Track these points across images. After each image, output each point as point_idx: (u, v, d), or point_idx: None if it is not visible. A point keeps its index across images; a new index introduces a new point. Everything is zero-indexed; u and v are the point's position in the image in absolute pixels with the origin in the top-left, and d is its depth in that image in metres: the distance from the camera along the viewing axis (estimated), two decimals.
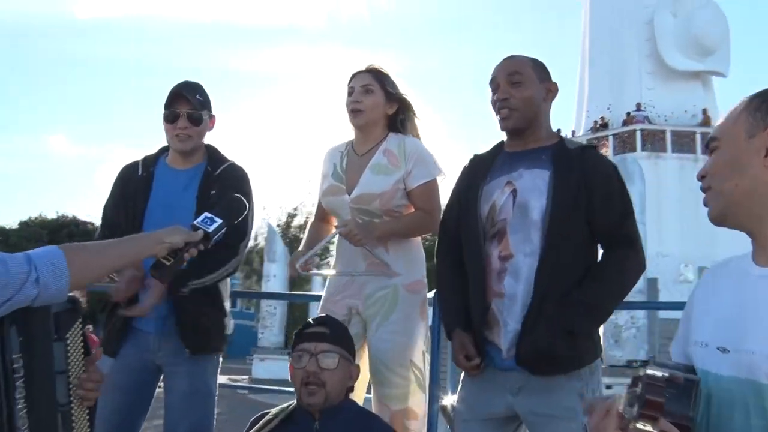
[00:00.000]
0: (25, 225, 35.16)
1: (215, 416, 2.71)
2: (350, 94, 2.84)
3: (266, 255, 21.57)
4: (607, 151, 24.41)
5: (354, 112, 2.82)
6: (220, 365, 2.74)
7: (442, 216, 2.61)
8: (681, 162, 25.14)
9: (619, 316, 14.35)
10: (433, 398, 2.80)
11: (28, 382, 1.53)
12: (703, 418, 1.29)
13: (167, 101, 2.71)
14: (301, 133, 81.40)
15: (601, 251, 2.34)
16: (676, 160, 25.15)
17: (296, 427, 2.30)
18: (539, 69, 2.41)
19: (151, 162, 2.79)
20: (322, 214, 3.00)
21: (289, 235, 33.75)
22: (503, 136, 2.48)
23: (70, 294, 1.60)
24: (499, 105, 2.37)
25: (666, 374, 1.17)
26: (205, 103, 2.75)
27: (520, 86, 2.35)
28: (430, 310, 2.88)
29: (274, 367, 18.94)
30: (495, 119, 2.42)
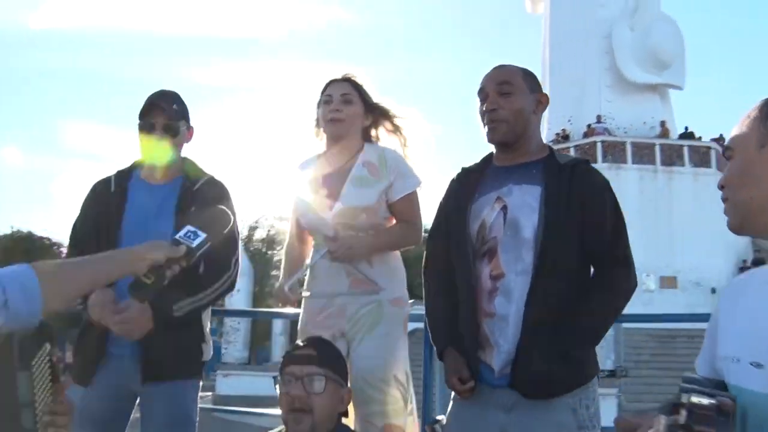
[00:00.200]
0: None
1: None
2: (327, 102, 2.72)
3: None
4: None
5: (334, 121, 2.70)
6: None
7: (429, 234, 2.51)
8: (641, 173, 25.69)
9: None
10: (426, 419, 2.70)
11: None
12: None
13: (142, 111, 2.56)
14: (260, 146, 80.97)
15: (593, 269, 2.27)
16: (636, 171, 25.69)
17: None
18: (530, 79, 2.33)
19: (124, 176, 2.63)
20: (299, 234, 2.86)
21: (250, 248, 33.38)
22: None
23: None
24: (487, 116, 2.28)
25: (714, 402, 1.12)
26: (182, 113, 2.61)
27: (510, 97, 2.26)
28: (412, 325, 2.77)
29: (237, 383, 18.58)
30: (482, 131, 2.32)
